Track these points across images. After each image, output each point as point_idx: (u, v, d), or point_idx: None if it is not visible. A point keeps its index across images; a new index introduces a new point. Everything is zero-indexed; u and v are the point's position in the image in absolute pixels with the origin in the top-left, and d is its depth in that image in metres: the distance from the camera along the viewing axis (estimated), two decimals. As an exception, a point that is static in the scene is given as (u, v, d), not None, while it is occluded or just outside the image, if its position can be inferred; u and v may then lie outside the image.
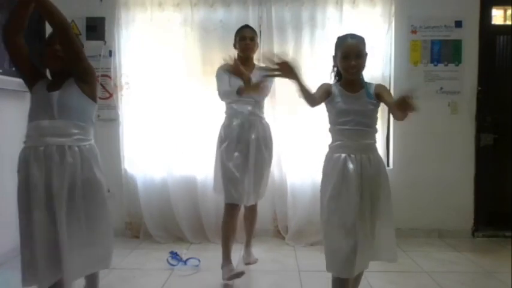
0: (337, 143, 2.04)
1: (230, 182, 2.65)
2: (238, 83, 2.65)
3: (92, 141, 1.94)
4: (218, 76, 2.75)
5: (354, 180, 1.93)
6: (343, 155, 1.98)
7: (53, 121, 1.80)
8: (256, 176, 2.71)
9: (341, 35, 2.08)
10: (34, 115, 1.84)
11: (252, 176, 2.68)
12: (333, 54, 2.09)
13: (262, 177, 2.78)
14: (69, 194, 1.78)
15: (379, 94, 2.02)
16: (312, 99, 2.02)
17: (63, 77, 1.87)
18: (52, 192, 1.76)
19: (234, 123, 2.70)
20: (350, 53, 1.97)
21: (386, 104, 2.01)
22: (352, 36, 2.03)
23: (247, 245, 3.05)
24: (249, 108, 2.70)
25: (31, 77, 1.91)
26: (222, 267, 2.67)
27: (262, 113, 2.83)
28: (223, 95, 2.73)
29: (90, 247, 1.85)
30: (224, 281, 2.62)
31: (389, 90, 2.07)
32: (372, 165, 1.98)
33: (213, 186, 2.88)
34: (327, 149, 2.14)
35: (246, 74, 2.65)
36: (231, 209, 2.69)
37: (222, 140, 2.74)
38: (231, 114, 2.75)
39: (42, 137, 1.78)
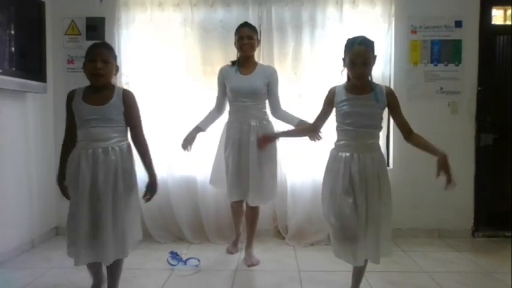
0: (341, 142, 2.12)
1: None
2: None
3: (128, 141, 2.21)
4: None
5: (356, 179, 2.02)
6: (347, 154, 2.06)
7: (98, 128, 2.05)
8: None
9: (351, 37, 2.09)
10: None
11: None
12: (343, 56, 2.11)
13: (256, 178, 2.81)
14: (114, 185, 2.07)
15: (390, 105, 2.10)
16: (312, 130, 2.31)
17: (104, 90, 2.08)
18: (98, 184, 2.03)
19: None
20: (356, 60, 2.01)
21: (395, 120, 2.12)
22: (361, 42, 2.02)
23: (248, 246, 3.04)
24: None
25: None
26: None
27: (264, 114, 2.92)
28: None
29: (124, 233, 2.09)
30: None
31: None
32: (374, 164, 2.05)
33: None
34: (327, 149, 2.24)
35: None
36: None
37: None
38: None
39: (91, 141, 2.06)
